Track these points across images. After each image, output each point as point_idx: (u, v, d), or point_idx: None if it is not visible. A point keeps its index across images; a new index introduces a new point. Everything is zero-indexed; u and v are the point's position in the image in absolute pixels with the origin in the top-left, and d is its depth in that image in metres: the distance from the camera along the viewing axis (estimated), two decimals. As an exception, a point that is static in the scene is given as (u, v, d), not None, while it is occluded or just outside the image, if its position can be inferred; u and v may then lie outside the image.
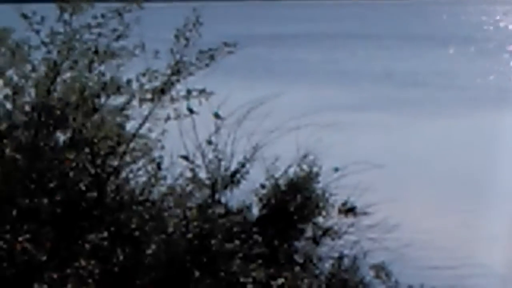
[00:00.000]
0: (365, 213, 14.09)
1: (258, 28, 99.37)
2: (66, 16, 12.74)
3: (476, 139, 33.25)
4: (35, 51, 12.92)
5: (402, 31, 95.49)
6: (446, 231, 20.12)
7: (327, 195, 14.07)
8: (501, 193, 23.15)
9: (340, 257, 13.82)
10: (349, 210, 14.07)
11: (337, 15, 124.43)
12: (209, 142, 13.75)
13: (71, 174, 12.63)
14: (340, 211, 14.17)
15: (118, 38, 12.75)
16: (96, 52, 12.72)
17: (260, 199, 13.92)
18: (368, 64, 62.68)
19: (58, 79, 12.70)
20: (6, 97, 13.00)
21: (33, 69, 12.82)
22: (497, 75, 55.60)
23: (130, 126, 13.10)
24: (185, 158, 13.60)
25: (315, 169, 14.20)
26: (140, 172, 13.18)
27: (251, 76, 50.33)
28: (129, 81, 12.97)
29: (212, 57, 13.11)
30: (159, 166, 13.24)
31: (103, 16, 12.77)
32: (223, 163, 13.69)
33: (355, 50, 73.37)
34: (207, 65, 13.11)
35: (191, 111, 13.48)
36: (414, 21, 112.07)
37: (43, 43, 12.76)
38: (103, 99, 13.01)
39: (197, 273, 12.28)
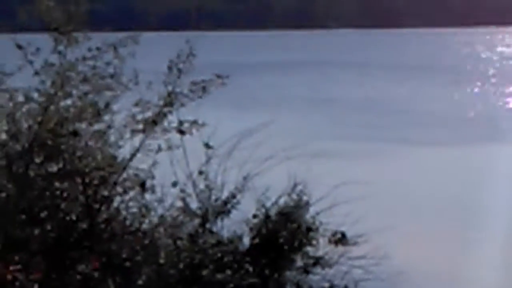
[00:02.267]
0: (355, 243, 14.08)
1: (247, 56, 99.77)
2: (61, 47, 12.77)
3: (464, 167, 33.41)
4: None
5: (386, 60, 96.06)
6: (437, 260, 20.16)
7: (317, 224, 14.08)
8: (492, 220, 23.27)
9: (331, 287, 13.81)
10: (339, 239, 14.05)
11: (323, 44, 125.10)
12: (200, 172, 13.75)
13: (62, 204, 12.62)
14: (330, 241, 14.14)
15: (112, 76, 12.77)
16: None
17: (251, 229, 13.90)
18: (351, 91, 63.05)
19: (52, 109, 12.71)
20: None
21: (27, 99, 12.84)
22: (473, 104, 56.23)
23: (121, 156, 13.12)
24: (175, 185, 13.58)
25: (305, 199, 14.21)
26: (131, 202, 13.18)
27: (239, 105, 50.43)
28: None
29: (204, 89, 13.17)
30: (151, 190, 13.22)
31: (98, 49, 12.79)
32: (214, 192, 13.68)
33: (340, 78, 73.77)
34: (200, 96, 13.17)
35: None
36: (399, 50, 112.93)
37: (36, 73, 12.78)
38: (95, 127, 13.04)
39: (188, 304, 12.27)
